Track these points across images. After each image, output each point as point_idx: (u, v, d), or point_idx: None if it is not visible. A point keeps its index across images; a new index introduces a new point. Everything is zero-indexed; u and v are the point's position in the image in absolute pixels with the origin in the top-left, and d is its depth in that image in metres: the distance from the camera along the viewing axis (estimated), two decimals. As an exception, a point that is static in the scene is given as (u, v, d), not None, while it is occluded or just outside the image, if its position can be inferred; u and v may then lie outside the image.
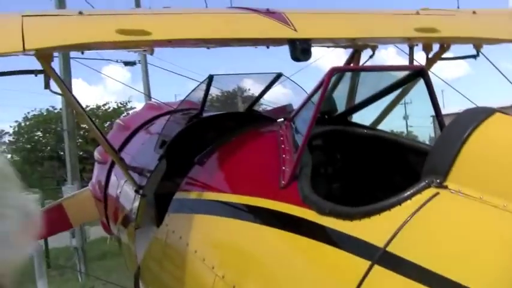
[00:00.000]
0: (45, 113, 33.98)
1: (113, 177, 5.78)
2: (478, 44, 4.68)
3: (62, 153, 34.41)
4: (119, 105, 35.92)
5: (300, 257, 2.71)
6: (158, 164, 4.60)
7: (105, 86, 69.63)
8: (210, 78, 4.70)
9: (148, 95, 24.38)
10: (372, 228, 2.40)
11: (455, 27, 4.60)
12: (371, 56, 4.92)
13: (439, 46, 4.75)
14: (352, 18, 4.50)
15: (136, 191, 4.64)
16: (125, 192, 5.12)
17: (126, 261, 5.30)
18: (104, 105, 35.87)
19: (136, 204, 4.63)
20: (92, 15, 3.81)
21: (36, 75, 3.98)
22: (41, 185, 33.58)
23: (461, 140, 2.36)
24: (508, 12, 5.55)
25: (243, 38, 3.75)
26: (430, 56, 4.73)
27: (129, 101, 36.02)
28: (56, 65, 14.30)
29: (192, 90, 4.85)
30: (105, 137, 4.60)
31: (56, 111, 34.48)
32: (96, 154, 6.72)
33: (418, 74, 3.36)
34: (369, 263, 2.27)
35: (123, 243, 5.26)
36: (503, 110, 2.57)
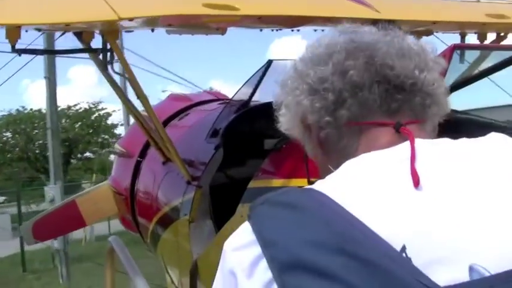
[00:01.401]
0: (14, 113, 33.28)
1: (145, 170, 5.48)
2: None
3: (30, 154, 33.72)
4: (90, 106, 35.31)
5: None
6: (214, 154, 4.32)
7: (72, 86, 68.28)
8: (269, 63, 4.43)
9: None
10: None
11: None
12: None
13: (495, 35, 4.63)
14: (421, 1, 4.35)
15: (189, 183, 4.37)
16: (170, 184, 4.84)
17: (169, 259, 5.00)
18: (75, 105, 35.18)
19: (189, 196, 4.35)
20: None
21: (99, 54, 3.70)
22: (5, 186, 32.91)
23: None
24: None
25: (331, 16, 3.54)
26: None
27: (100, 102, 35.47)
28: (41, 59, 13.92)
29: (251, 77, 4.56)
30: (162, 126, 4.34)
31: (26, 111, 33.79)
32: (118, 147, 6.41)
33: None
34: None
35: (165, 240, 4.94)
36: None
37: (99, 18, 2.84)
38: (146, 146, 5.58)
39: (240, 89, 4.78)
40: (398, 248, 0.81)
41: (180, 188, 4.51)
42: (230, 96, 5.53)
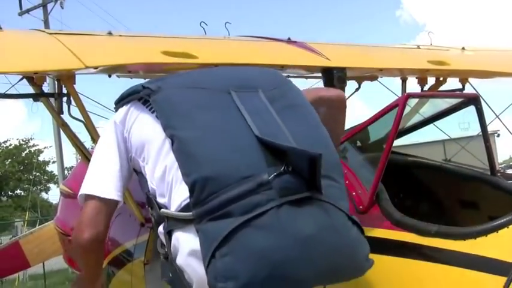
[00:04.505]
0: None
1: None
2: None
3: None
4: (21, 142, 34.40)
5: (427, 281, 2.65)
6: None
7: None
8: None
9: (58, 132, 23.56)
10: (494, 246, 2.45)
11: (463, 61, 4.72)
12: (357, 89, 4.91)
13: (435, 79, 4.86)
14: (367, 50, 4.55)
15: (143, 225, 4.40)
16: (122, 226, 4.83)
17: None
18: (5, 142, 34.23)
19: (143, 238, 4.38)
20: (123, 36, 3.65)
21: (56, 99, 3.72)
22: None
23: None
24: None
25: (285, 64, 3.68)
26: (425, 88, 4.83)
27: (31, 138, 34.64)
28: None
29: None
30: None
31: None
32: (64, 187, 6.32)
33: (471, 101, 3.41)
34: (504, 278, 2.35)
35: (118, 281, 4.92)
36: None
37: (67, 67, 2.89)
38: (94, 187, 5.55)
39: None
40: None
41: (133, 230, 4.52)
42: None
